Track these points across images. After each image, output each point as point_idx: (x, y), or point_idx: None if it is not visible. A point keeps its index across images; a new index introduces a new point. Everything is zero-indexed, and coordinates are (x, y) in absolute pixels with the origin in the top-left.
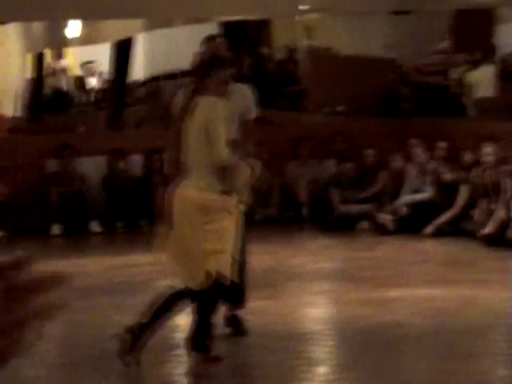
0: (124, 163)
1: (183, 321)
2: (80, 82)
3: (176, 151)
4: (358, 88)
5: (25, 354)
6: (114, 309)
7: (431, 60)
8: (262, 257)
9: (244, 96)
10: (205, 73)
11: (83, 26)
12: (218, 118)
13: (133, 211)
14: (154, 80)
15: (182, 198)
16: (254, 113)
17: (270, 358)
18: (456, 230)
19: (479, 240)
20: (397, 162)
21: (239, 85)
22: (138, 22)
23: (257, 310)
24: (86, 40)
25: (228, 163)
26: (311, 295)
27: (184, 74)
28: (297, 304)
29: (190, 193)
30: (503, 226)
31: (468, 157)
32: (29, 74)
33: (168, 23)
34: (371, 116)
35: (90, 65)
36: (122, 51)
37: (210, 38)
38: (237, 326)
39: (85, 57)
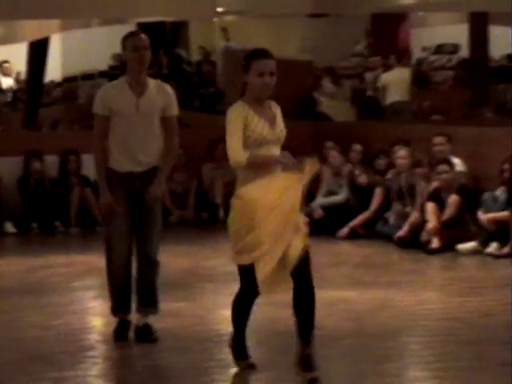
0: (40, 164)
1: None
2: None
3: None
4: (275, 90)
5: None
6: (29, 309)
7: (348, 63)
8: (177, 259)
9: (165, 92)
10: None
11: None
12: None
13: (48, 212)
14: (70, 80)
15: None
16: (175, 109)
17: (185, 359)
18: (371, 232)
19: (394, 242)
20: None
21: (159, 81)
22: (54, 22)
23: (173, 311)
24: (1, 39)
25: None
26: (226, 297)
27: (102, 74)
28: (212, 306)
29: None
30: (417, 229)
31: (382, 160)
32: None
33: (85, 24)
34: (288, 118)
35: (5, 64)
36: (38, 51)
37: (134, 34)
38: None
39: (0, 56)
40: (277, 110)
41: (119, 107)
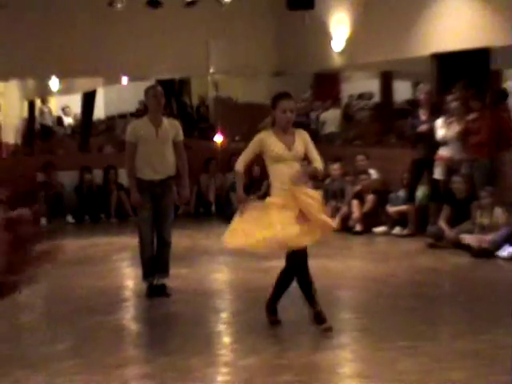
0: (90, 175)
1: (131, 283)
2: (59, 119)
3: None
4: (250, 125)
5: (29, 287)
6: (81, 275)
7: (299, 106)
8: (182, 239)
9: (175, 126)
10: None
11: (61, 81)
12: None
13: (96, 208)
14: (110, 119)
15: None
16: (181, 137)
17: (189, 308)
18: None
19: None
20: None
21: (170, 119)
22: (99, 79)
23: (180, 275)
24: (63, 91)
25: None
26: (217, 265)
27: (131, 114)
28: (207, 271)
29: None
30: (346, 218)
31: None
32: (25, 114)
33: (119, 80)
34: None
35: (67, 108)
36: (89, 99)
37: (153, 86)
38: (162, 291)
39: (63, 102)
40: (299, 137)
41: (144, 135)
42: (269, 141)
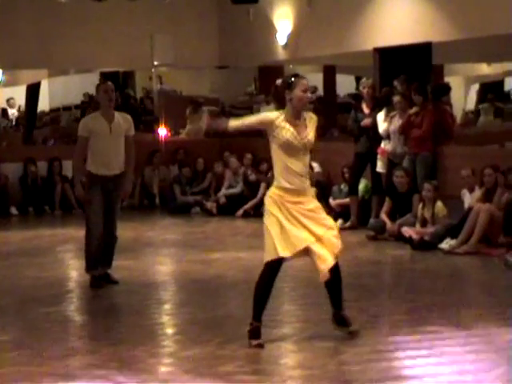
0: (34, 167)
1: (75, 274)
2: (4, 111)
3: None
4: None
5: None
6: (26, 266)
7: (242, 99)
8: (127, 231)
9: (127, 120)
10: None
11: (5, 73)
12: None
13: (40, 200)
14: (55, 111)
15: None
16: (133, 131)
17: (133, 299)
18: (257, 213)
19: None
20: (218, 167)
21: (122, 113)
22: (44, 71)
23: (124, 266)
24: (8, 82)
25: None
26: (161, 257)
27: (76, 106)
28: (151, 263)
29: None
30: None
31: (265, 164)
32: None
33: (64, 72)
34: (205, 136)
35: (11, 100)
36: (33, 91)
37: (104, 82)
38: (108, 279)
39: (7, 94)
40: (311, 122)
41: (97, 131)
42: (279, 124)
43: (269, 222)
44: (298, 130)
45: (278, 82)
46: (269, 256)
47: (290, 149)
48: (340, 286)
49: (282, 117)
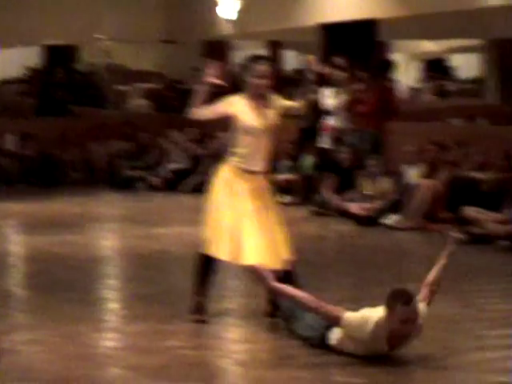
0: None
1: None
2: None
3: None
4: (139, 91)
5: None
6: None
7: (190, 76)
8: (72, 206)
9: None
10: None
11: None
12: None
13: None
14: None
15: None
16: None
17: (78, 274)
18: (202, 187)
19: None
20: (164, 143)
21: None
22: None
23: (69, 241)
24: None
25: None
26: (105, 232)
27: (19, 81)
28: (97, 237)
29: None
30: None
31: (211, 140)
32: None
33: (5, 45)
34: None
35: None
36: None
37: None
38: None
39: None
40: (275, 105)
41: None
42: (239, 108)
43: (210, 204)
44: (258, 112)
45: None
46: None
47: (249, 131)
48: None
49: (242, 98)
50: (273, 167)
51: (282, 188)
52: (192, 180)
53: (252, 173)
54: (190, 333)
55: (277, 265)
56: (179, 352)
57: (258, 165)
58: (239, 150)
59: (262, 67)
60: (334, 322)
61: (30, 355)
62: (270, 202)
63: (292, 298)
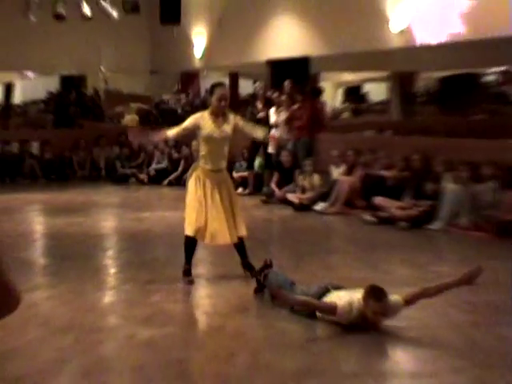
0: (9, 147)
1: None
2: None
3: None
4: (130, 109)
5: None
6: (4, 221)
7: (169, 97)
8: (80, 196)
9: None
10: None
11: None
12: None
13: (14, 171)
14: (25, 104)
15: None
16: None
17: (84, 247)
18: (179, 182)
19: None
20: (150, 147)
21: None
22: (17, 74)
23: (76, 223)
24: None
25: None
26: (105, 215)
27: (42, 101)
28: (98, 219)
29: None
30: None
31: (184, 147)
32: None
33: (31, 75)
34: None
35: None
36: (8, 89)
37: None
38: None
39: None
40: (231, 121)
41: None
42: (203, 120)
43: (189, 197)
44: (217, 125)
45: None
46: (188, 227)
47: (210, 139)
48: (244, 245)
49: (206, 114)
50: (232, 166)
51: (238, 182)
52: (171, 177)
53: (216, 171)
54: (169, 291)
55: (235, 239)
56: (160, 305)
57: (220, 164)
58: (204, 154)
59: (222, 91)
60: (331, 312)
61: (48, 308)
62: (231, 192)
63: (295, 301)
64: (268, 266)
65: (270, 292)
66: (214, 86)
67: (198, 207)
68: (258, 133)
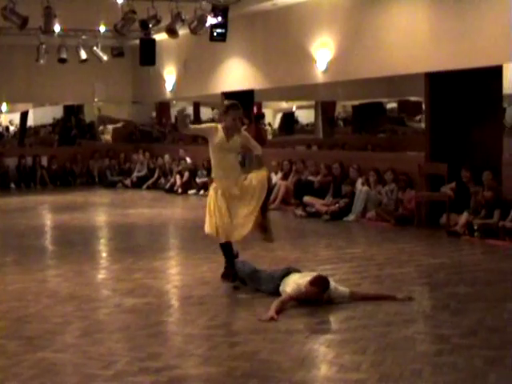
0: (24, 160)
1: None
2: (7, 128)
3: None
4: (123, 133)
5: None
6: (20, 217)
7: (148, 122)
8: (79, 197)
9: None
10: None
11: (8, 105)
12: None
13: (28, 179)
14: (36, 127)
15: None
16: None
17: (82, 236)
18: (156, 186)
19: (164, 190)
20: (135, 158)
21: None
22: (30, 104)
23: (76, 217)
24: (10, 111)
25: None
26: (98, 211)
27: (49, 125)
28: (93, 215)
29: None
30: (172, 186)
31: (159, 158)
32: None
33: (42, 104)
34: (127, 142)
35: (11, 121)
36: (24, 115)
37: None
38: None
39: (10, 117)
40: (240, 137)
41: None
42: (217, 132)
43: (208, 208)
44: (227, 138)
45: (225, 103)
46: (208, 229)
47: (220, 148)
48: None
49: (219, 126)
50: (195, 174)
51: (200, 187)
52: (148, 182)
53: (226, 178)
54: (150, 270)
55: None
56: (141, 281)
57: (230, 175)
58: (215, 163)
59: (237, 113)
60: (291, 300)
61: (55, 283)
62: (249, 190)
63: (281, 306)
64: (235, 256)
65: (241, 276)
66: (228, 107)
67: (218, 214)
68: (257, 150)
